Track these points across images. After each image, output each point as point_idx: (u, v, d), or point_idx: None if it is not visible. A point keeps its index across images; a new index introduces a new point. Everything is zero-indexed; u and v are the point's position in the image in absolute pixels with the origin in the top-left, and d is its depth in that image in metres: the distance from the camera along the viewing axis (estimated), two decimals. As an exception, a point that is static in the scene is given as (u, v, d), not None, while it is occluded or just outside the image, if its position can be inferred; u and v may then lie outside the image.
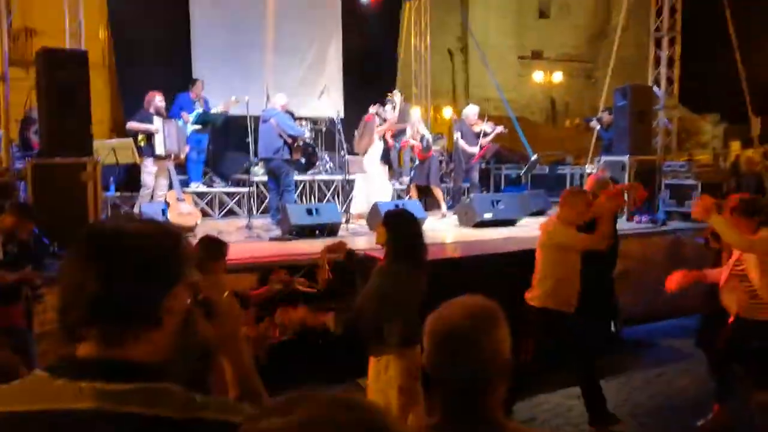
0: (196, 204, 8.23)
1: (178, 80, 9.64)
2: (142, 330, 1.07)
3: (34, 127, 7.45)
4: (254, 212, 8.89)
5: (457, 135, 9.60)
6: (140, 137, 7.67)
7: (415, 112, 10.03)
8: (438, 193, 9.39)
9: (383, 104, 9.49)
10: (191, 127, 9.04)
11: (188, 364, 1.18)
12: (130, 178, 8.33)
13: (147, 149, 7.64)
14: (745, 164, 11.65)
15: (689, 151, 23.16)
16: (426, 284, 3.36)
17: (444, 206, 9.34)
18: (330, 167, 10.45)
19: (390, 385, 3.25)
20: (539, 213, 9.42)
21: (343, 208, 8.70)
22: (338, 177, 9.84)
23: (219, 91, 9.74)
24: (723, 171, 10.93)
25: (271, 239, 7.01)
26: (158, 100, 7.96)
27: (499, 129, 9.75)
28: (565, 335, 4.28)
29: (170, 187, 7.60)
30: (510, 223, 8.35)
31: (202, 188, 9.28)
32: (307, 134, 10.08)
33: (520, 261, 6.20)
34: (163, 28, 10.22)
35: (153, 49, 10.00)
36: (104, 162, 6.99)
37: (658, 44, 9.98)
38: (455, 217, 8.74)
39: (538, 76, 34.40)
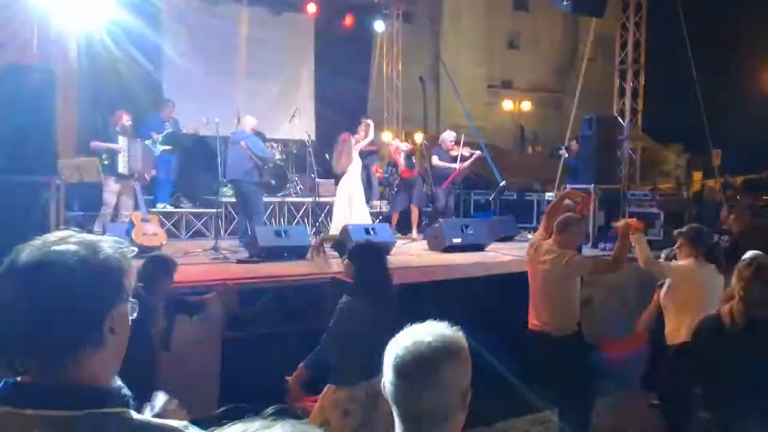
0: (162, 224, 8.12)
1: (148, 101, 9.58)
2: (84, 353, 1.04)
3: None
4: (222, 233, 8.80)
5: (434, 157, 9.70)
6: (104, 156, 7.56)
7: (387, 135, 10.13)
8: (415, 214, 9.46)
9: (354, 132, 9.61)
10: (160, 147, 8.97)
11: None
12: (94, 198, 8.18)
13: (109, 168, 7.53)
14: (707, 194, 11.99)
15: (653, 180, 23.75)
16: (391, 320, 3.36)
17: (415, 231, 9.40)
18: (300, 189, 10.44)
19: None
20: (507, 238, 9.52)
21: (313, 231, 8.66)
22: (308, 199, 9.83)
23: (189, 113, 9.70)
24: (685, 200, 11.21)
25: (239, 261, 6.94)
26: (125, 119, 7.88)
27: (478, 153, 9.89)
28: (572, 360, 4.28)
29: (136, 207, 7.49)
30: (479, 248, 8.41)
31: (169, 208, 9.17)
32: (278, 156, 10.08)
33: (488, 286, 6.28)
34: (134, 47, 10.16)
35: (123, 69, 9.91)
36: (69, 181, 6.87)
37: (622, 76, 10.26)
38: (425, 241, 8.78)
39: (507, 104, 35.05)
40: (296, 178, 10.52)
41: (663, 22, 10.75)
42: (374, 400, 3.08)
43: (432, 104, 34.01)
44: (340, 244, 6.41)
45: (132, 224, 7.01)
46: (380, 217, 10.30)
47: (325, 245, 3.54)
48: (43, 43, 8.48)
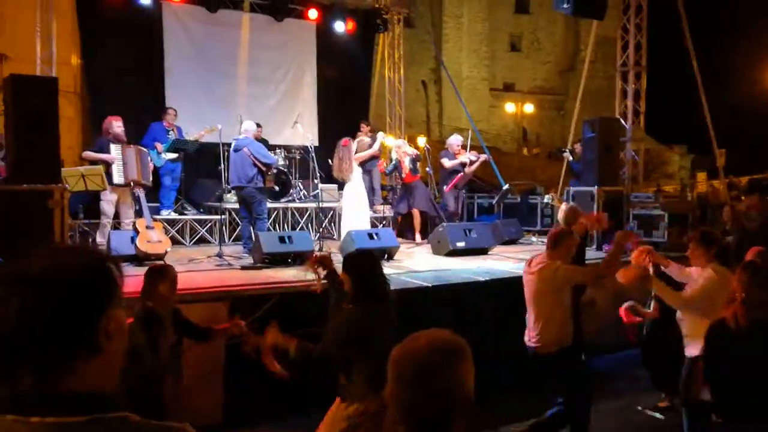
0: (166, 231, 8.14)
1: (150, 109, 9.62)
2: (80, 359, 1.05)
3: (1, 153, 7.34)
4: (226, 240, 8.81)
5: (444, 160, 9.73)
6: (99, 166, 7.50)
7: (392, 140, 10.14)
8: (417, 219, 9.46)
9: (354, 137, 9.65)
10: (165, 157, 8.99)
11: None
12: (95, 206, 8.19)
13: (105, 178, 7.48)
14: (711, 195, 11.96)
15: (657, 182, 23.72)
16: (394, 321, 3.35)
17: (418, 235, 9.39)
18: (303, 195, 10.47)
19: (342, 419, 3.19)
20: (511, 242, 9.52)
21: (317, 236, 8.68)
22: (311, 204, 9.85)
23: (192, 120, 9.75)
24: (689, 202, 11.18)
25: (243, 267, 6.95)
26: (116, 126, 7.71)
27: (484, 157, 9.92)
28: (570, 369, 4.32)
29: (140, 214, 7.51)
30: (482, 251, 8.40)
31: (174, 215, 9.20)
32: (281, 162, 10.11)
33: (491, 289, 6.27)
34: (136, 56, 10.23)
35: (125, 77, 9.98)
36: (73, 189, 6.90)
37: (624, 78, 10.26)
38: (428, 245, 8.78)
39: (509, 107, 35.09)
40: (299, 184, 10.54)
41: (665, 24, 10.76)
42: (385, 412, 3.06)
43: (434, 108, 34.16)
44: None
45: (136, 232, 7.02)
46: (383, 222, 10.32)
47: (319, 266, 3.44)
48: (46, 52, 8.57)
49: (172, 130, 9.27)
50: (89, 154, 7.61)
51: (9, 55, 13.38)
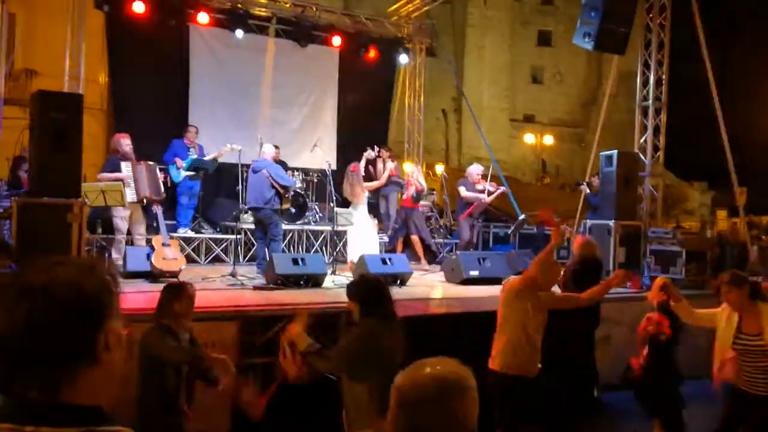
0: (182, 249, 8.21)
1: (174, 126, 9.79)
2: (79, 370, 1.06)
3: (25, 165, 7.49)
4: (241, 260, 8.86)
5: (461, 188, 9.71)
6: None
7: (408, 166, 10.19)
8: (419, 245, 9.48)
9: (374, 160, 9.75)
10: (184, 173, 9.12)
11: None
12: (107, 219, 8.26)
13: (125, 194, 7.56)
14: (731, 234, 11.80)
15: (677, 218, 23.48)
16: (402, 346, 3.32)
17: (423, 260, 9.42)
18: (319, 217, 10.52)
19: None
20: (526, 272, 9.45)
21: (330, 260, 8.69)
22: (327, 227, 9.89)
23: (214, 140, 9.89)
24: (708, 239, 11.04)
25: (255, 288, 6.97)
26: (124, 144, 7.82)
27: (503, 189, 9.90)
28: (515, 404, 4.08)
29: (156, 231, 7.59)
30: (496, 281, 8.34)
31: (190, 234, 9.28)
32: (298, 184, 10.19)
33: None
34: (162, 75, 10.44)
35: (151, 95, 10.18)
36: (93, 204, 7.00)
37: (644, 113, 10.23)
38: (442, 273, 8.76)
39: (529, 138, 35.10)
40: (316, 207, 10.60)
41: (686, 59, 10.75)
42: None
43: (454, 136, 34.29)
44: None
45: (152, 249, 7.09)
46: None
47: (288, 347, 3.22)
48: (74, 69, 8.77)
49: (193, 147, 9.41)
50: (104, 175, 7.63)
51: (39, 70, 13.74)
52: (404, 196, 9.64)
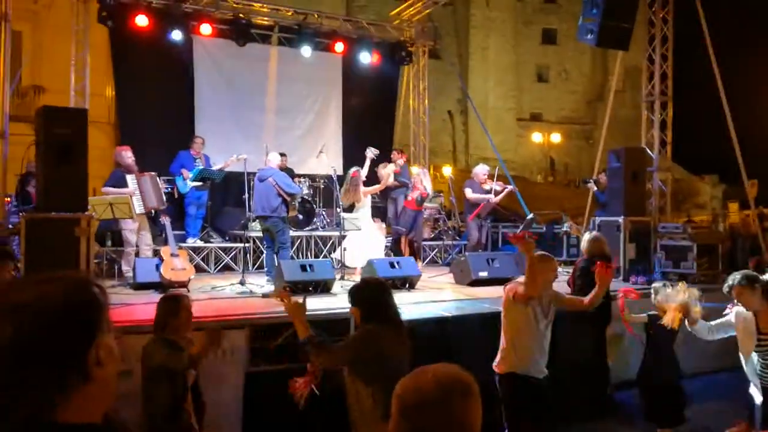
0: (191, 259, 8.24)
1: (180, 137, 9.83)
2: (72, 388, 1.05)
3: (33, 181, 7.55)
4: (250, 268, 8.88)
5: (468, 190, 9.67)
6: None
7: (415, 169, 10.20)
8: (413, 247, 9.50)
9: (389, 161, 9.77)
10: (191, 184, 9.16)
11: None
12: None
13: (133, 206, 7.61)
14: (742, 226, 11.70)
15: (688, 212, 23.29)
16: (409, 347, 3.30)
17: (420, 262, 9.48)
18: (326, 223, 10.53)
19: None
20: (536, 272, 9.39)
21: (339, 265, 8.69)
22: (334, 233, 9.89)
23: (220, 149, 9.94)
24: (719, 232, 10.94)
25: (264, 295, 6.98)
26: (126, 156, 7.86)
27: (510, 188, 9.84)
28: (521, 402, 4.08)
29: (165, 241, 7.62)
30: (506, 281, 8.28)
31: (199, 243, 9.32)
32: (305, 190, 10.21)
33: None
34: (167, 87, 10.51)
35: (156, 107, 10.25)
36: (101, 217, 7.05)
37: (650, 108, 10.17)
38: (450, 274, 8.73)
39: (536, 137, 34.99)
40: (323, 212, 10.62)
41: (691, 53, 10.68)
42: None
43: (461, 137, 34.26)
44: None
45: (161, 259, 7.12)
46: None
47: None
48: (80, 84, 8.85)
49: (199, 158, 9.45)
50: (109, 189, 7.68)
51: (46, 86, 13.87)
52: (408, 198, 9.62)
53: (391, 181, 9.36)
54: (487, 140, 18.25)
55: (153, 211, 7.80)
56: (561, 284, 5.50)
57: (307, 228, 10.23)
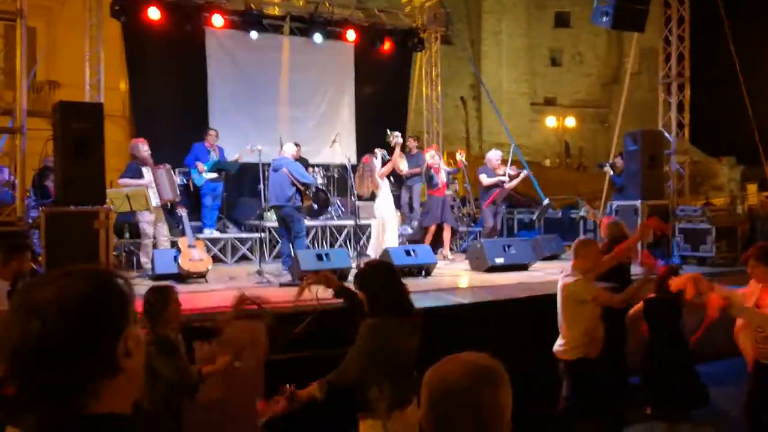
0: (208, 250, 8.30)
1: (194, 130, 9.87)
2: (103, 379, 1.05)
3: (51, 175, 7.63)
4: (266, 258, 8.92)
5: (482, 176, 9.56)
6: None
7: (428, 155, 10.14)
8: (447, 233, 9.39)
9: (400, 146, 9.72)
10: (206, 176, 9.22)
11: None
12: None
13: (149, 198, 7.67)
14: (761, 207, 11.54)
15: (706, 195, 23.02)
16: (418, 336, 3.24)
17: (447, 250, 9.34)
18: (342, 212, 10.55)
19: None
20: (552, 257, 9.36)
21: (354, 254, 8.71)
22: (349, 222, 9.91)
23: (234, 140, 9.97)
24: (738, 215, 10.81)
25: (281, 285, 7.02)
26: (143, 149, 7.89)
27: (524, 173, 9.74)
28: (594, 384, 4.42)
29: (182, 233, 7.69)
30: (522, 267, 8.28)
31: (216, 234, 9.38)
32: (320, 180, 10.23)
33: (531, 307, 6.17)
34: (180, 80, 10.54)
35: (170, 100, 10.30)
36: (119, 210, 7.12)
37: (667, 90, 10.04)
38: (466, 261, 8.71)
39: (551, 121, 34.69)
40: (338, 201, 10.64)
41: (708, 33, 10.52)
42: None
43: (474, 123, 34.05)
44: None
45: (179, 251, 7.18)
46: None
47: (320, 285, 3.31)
48: (94, 78, 8.90)
49: (214, 150, 9.49)
50: (125, 181, 7.74)
51: (61, 81, 13.97)
52: (439, 185, 9.44)
53: (403, 166, 9.28)
54: (500, 126, 18.14)
55: (169, 204, 7.85)
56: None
57: (322, 217, 10.26)
